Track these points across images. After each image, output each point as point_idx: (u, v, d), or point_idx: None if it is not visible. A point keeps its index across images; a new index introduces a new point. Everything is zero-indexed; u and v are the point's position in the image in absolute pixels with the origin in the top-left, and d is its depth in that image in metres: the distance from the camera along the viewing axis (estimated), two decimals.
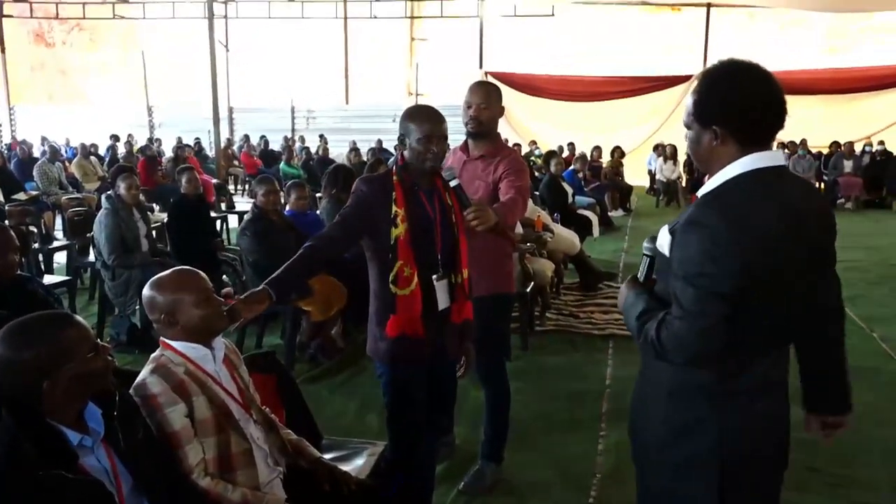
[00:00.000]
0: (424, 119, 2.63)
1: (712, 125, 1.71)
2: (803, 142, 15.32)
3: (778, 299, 1.70)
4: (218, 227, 9.32)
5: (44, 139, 16.11)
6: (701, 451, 1.78)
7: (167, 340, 2.23)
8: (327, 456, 2.56)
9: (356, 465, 2.80)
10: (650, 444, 1.90)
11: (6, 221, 6.21)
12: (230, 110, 21.23)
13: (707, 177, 1.81)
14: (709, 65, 1.76)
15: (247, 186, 15.89)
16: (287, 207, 5.88)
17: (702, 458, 1.78)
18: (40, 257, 7.53)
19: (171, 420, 2.10)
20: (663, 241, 1.79)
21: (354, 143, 15.89)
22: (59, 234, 8.99)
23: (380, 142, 16.76)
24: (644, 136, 18.94)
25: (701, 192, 1.76)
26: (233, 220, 10.50)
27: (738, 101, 1.69)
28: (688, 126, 1.78)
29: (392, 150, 14.99)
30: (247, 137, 18.37)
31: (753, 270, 1.62)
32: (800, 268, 1.72)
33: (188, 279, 2.24)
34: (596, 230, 10.02)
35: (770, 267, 1.64)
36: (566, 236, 7.29)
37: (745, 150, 1.70)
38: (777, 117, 1.70)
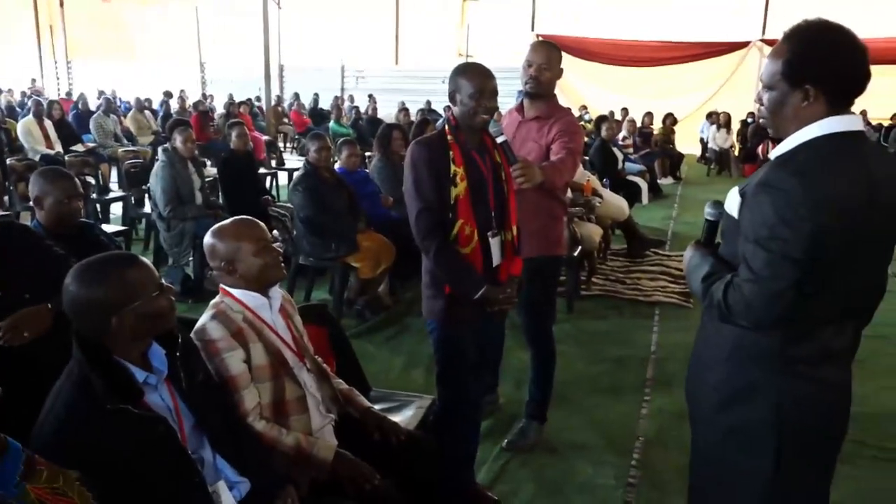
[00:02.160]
0: (475, 74, 2.62)
1: (805, 84, 1.66)
2: (863, 112, 14.84)
3: (848, 268, 1.67)
4: (268, 184, 9.44)
5: (101, 93, 16.37)
6: (757, 416, 1.78)
7: (227, 288, 2.29)
8: (377, 407, 2.62)
9: (405, 417, 2.86)
10: (705, 408, 1.90)
11: None
12: (281, 68, 21.32)
13: (760, 139, 1.78)
14: (795, 24, 1.70)
15: (296, 144, 16.03)
16: (338, 164, 5.93)
17: (758, 424, 1.78)
18: (98, 207, 7.72)
19: (230, 365, 2.17)
20: (732, 203, 1.77)
21: (403, 103, 15.87)
22: (114, 185, 9.20)
23: (429, 103, 16.69)
24: (698, 104, 18.55)
25: (775, 154, 1.74)
26: (282, 178, 10.61)
27: (838, 59, 1.66)
28: (771, 87, 1.72)
29: (440, 112, 14.93)
30: (297, 96, 18.46)
31: (825, 236, 1.59)
32: (873, 238, 1.69)
33: (248, 228, 2.29)
34: (645, 197, 9.90)
35: (842, 234, 1.62)
36: (615, 202, 7.22)
37: (830, 112, 1.67)
38: (864, 80, 1.67)
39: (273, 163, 11.35)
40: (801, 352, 1.74)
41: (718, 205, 1.91)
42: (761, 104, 1.78)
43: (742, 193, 1.73)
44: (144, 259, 1.89)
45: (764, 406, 1.77)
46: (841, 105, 1.68)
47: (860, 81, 1.67)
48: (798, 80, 1.67)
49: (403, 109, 14.67)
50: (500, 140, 2.76)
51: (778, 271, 1.61)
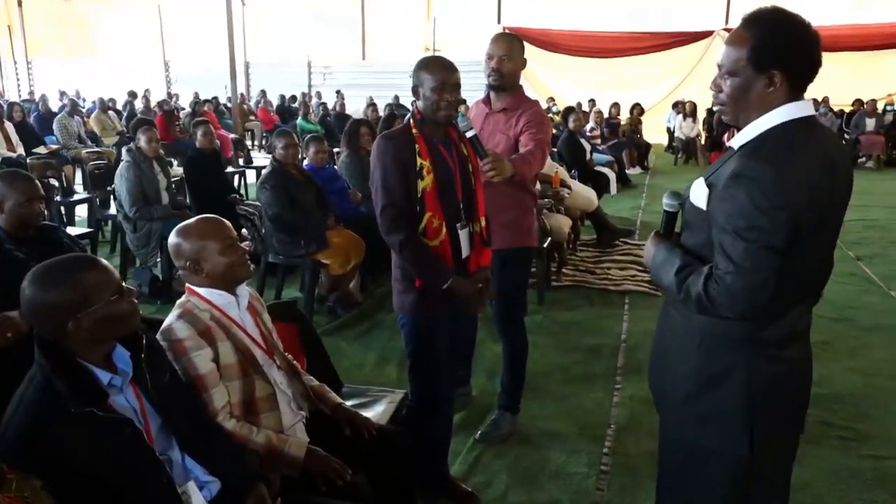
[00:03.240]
0: (437, 68, 2.62)
1: (771, 69, 1.67)
2: (825, 99, 15.09)
3: (813, 251, 1.71)
4: (236, 183, 9.36)
5: (62, 93, 16.10)
6: (731, 400, 1.80)
7: (193, 287, 2.27)
8: (348, 403, 2.61)
9: (376, 412, 2.86)
10: (676, 396, 1.91)
11: None
12: (247, 65, 21.13)
13: (726, 127, 1.80)
14: (754, 11, 1.71)
15: (264, 142, 15.91)
16: (305, 161, 5.89)
17: (732, 408, 1.81)
18: (62, 210, 7.61)
19: (198, 364, 2.15)
20: (698, 194, 1.78)
21: (371, 98, 15.81)
22: (79, 187, 9.06)
23: (396, 97, 16.67)
24: (663, 94, 18.73)
25: (738, 142, 1.75)
26: (251, 176, 10.53)
27: (801, 45, 1.68)
28: (734, 73, 1.72)
29: (409, 107, 14.90)
30: (263, 93, 18.32)
31: (800, 221, 1.62)
32: (832, 219, 1.73)
33: (213, 227, 2.27)
34: (613, 187, 9.99)
35: (814, 218, 1.65)
36: (583, 193, 7.27)
37: (791, 98, 1.69)
38: (818, 66, 1.70)
39: (241, 161, 11.26)
40: (770, 334, 1.77)
41: (677, 195, 1.91)
42: (718, 91, 1.78)
43: (709, 184, 1.74)
44: (104, 262, 1.87)
45: (737, 390, 1.79)
46: (800, 90, 1.71)
47: (817, 67, 1.70)
48: (764, 66, 1.68)
49: (371, 104, 14.62)
50: (469, 134, 2.76)
51: (759, 261, 1.62)
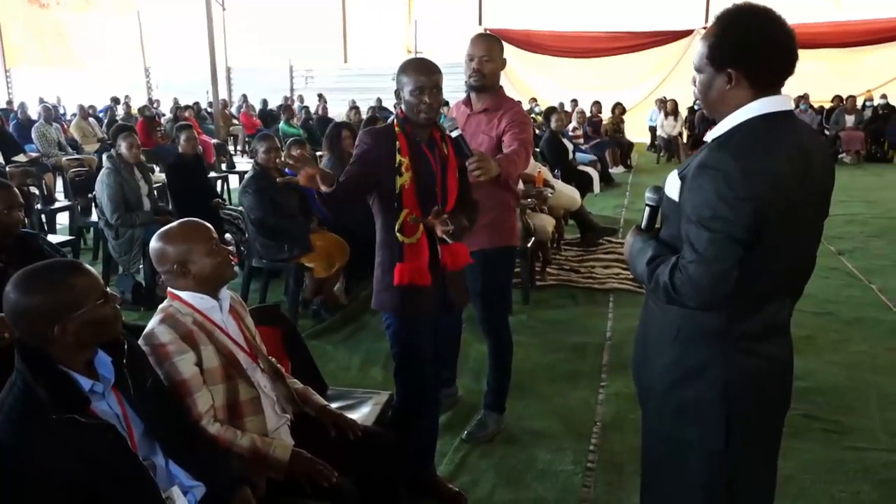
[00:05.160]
0: (416, 71, 2.62)
1: (727, 68, 1.70)
2: (805, 96, 15.23)
3: (788, 244, 1.72)
4: (219, 188, 9.32)
5: (41, 100, 15.96)
6: (707, 394, 1.80)
7: (175, 291, 2.26)
8: (333, 405, 2.61)
9: (362, 414, 2.86)
10: (655, 388, 1.92)
11: None
12: (228, 70, 21.05)
13: (707, 125, 1.81)
14: (723, 8, 1.73)
15: (246, 147, 15.86)
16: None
17: (708, 402, 1.81)
18: (43, 218, 7.55)
19: (180, 368, 2.14)
20: (672, 186, 1.79)
21: (354, 101, 15.79)
22: (60, 195, 8.99)
23: (379, 100, 16.64)
24: (645, 93, 18.85)
25: (710, 136, 1.76)
26: (233, 181, 10.49)
27: (755, 43, 1.68)
28: (699, 70, 1.76)
29: (392, 109, 14.89)
30: (245, 98, 18.26)
31: (766, 213, 1.62)
32: (808, 213, 1.73)
33: (197, 229, 2.27)
34: (597, 186, 10.03)
35: (782, 210, 1.65)
36: (567, 192, 7.29)
37: (757, 95, 1.70)
38: (789, 62, 1.70)
39: (223, 166, 11.21)
40: (746, 328, 1.77)
41: (658, 190, 1.92)
42: (694, 85, 1.81)
43: (682, 176, 1.75)
44: (88, 266, 1.86)
45: (713, 383, 1.79)
46: (765, 88, 1.70)
47: (785, 65, 1.70)
48: (721, 64, 1.70)
49: (354, 108, 14.60)
50: (454, 134, 2.77)
51: (722, 251, 1.63)
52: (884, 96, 15.36)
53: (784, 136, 1.69)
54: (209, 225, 2.31)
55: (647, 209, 1.95)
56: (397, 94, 2.68)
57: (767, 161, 1.63)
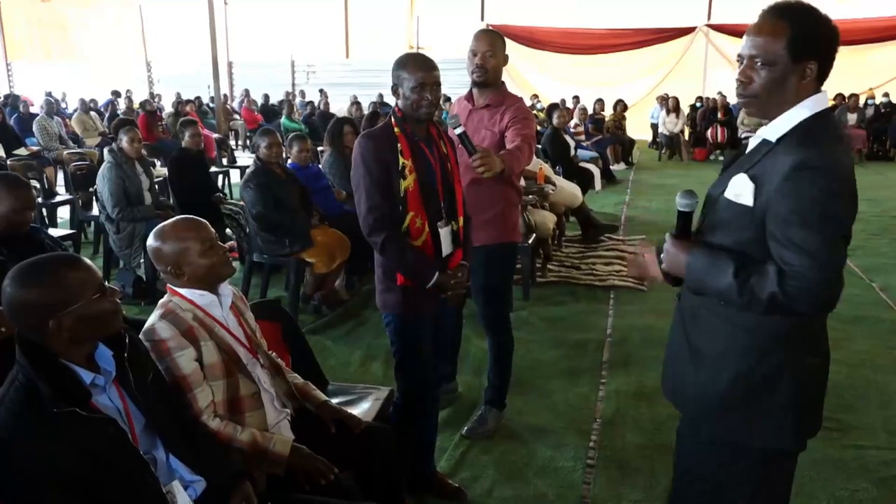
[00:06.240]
0: (416, 67, 2.59)
1: (809, 60, 1.67)
2: None
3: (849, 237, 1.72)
4: (219, 182, 9.32)
5: (48, 94, 15.94)
6: (782, 399, 1.77)
7: (174, 287, 2.26)
8: (334, 400, 2.60)
9: (362, 409, 2.86)
10: (719, 401, 1.84)
11: None
12: (229, 65, 21.04)
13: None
14: (782, 2, 1.70)
15: (248, 141, 15.85)
16: (289, 160, 5.88)
17: (785, 406, 1.77)
18: (44, 212, 7.55)
19: (181, 364, 2.14)
20: (742, 190, 1.72)
21: (356, 97, 15.77)
22: (61, 189, 9.00)
23: (381, 96, 16.65)
24: (647, 90, 18.83)
25: (772, 134, 1.72)
26: (234, 175, 10.49)
27: (830, 35, 1.68)
28: (770, 63, 1.68)
29: (392, 105, 14.88)
30: (247, 92, 18.25)
31: (854, 209, 1.67)
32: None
33: (192, 229, 2.25)
34: (598, 183, 10.02)
35: (856, 204, 1.68)
36: (568, 189, 7.29)
37: (818, 89, 1.71)
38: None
39: (224, 161, 11.21)
40: (815, 328, 1.78)
41: (691, 195, 1.85)
42: (749, 82, 1.73)
43: (753, 178, 1.70)
44: (87, 260, 1.85)
45: (787, 387, 1.76)
46: (823, 81, 1.72)
47: (835, 58, 1.72)
48: (802, 56, 1.67)
49: (355, 103, 14.60)
50: (458, 131, 2.76)
51: (836, 252, 1.62)
52: (886, 94, 15.30)
53: (842, 132, 1.72)
54: (205, 222, 2.30)
55: (681, 215, 1.86)
56: (395, 90, 2.66)
57: (845, 157, 1.67)
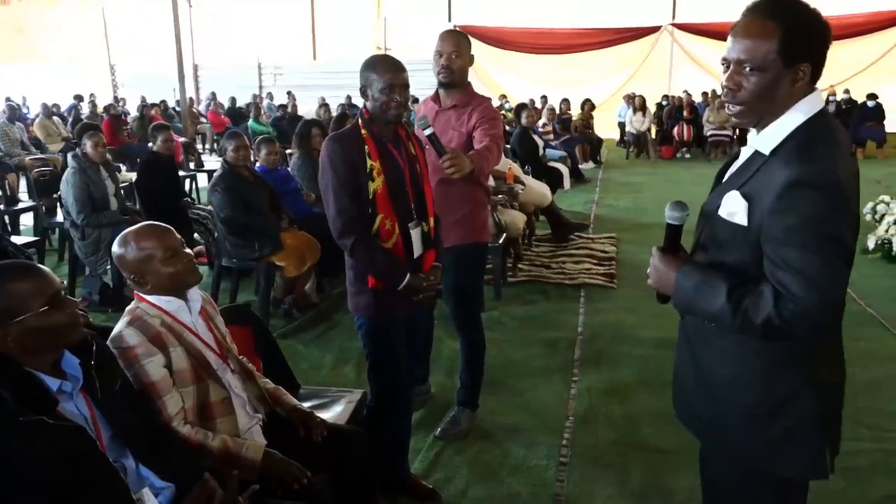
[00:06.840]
0: (385, 68, 2.59)
1: (802, 63, 1.56)
2: None
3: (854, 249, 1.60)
4: (187, 187, 9.22)
5: (8, 99, 15.66)
6: (803, 421, 1.66)
7: (142, 294, 2.23)
8: (306, 404, 2.59)
9: (335, 412, 2.85)
10: (736, 425, 1.73)
11: None
12: (195, 67, 20.83)
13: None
14: (767, 1, 1.56)
15: (215, 145, 15.71)
16: (257, 163, 5.84)
17: (806, 428, 1.67)
18: (6, 219, 7.42)
19: (149, 371, 2.12)
20: (736, 209, 1.61)
21: (324, 98, 15.70)
22: (23, 195, 8.83)
23: (349, 97, 16.59)
24: (614, 89, 19.00)
25: (765, 145, 1.60)
26: (202, 179, 10.39)
27: (823, 34, 1.57)
28: (761, 69, 1.55)
29: (361, 106, 14.84)
30: (213, 95, 18.09)
31: (856, 223, 1.55)
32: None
33: (155, 236, 2.21)
34: (567, 182, 10.09)
35: (857, 216, 1.57)
36: (537, 188, 7.33)
37: (809, 90, 1.59)
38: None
39: (191, 165, 11.10)
40: (830, 344, 1.69)
41: (682, 207, 1.74)
42: (738, 89, 1.61)
43: (746, 195, 1.59)
44: (43, 269, 1.80)
45: (808, 408, 1.66)
46: (815, 83, 1.60)
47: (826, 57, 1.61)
48: (794, 59, 1.55)
49: (324, 105, 14.53)
50: (427, 132, 2.76)
51: (836, 275, 1.50)
52: (846, 91, 15.58)
53: (840, 135, 1.59)
54: (169, 228, 2.27)
55: (669, 227, 1.75)
56: (363, 92, 2.66)
57: (844, 165, 1.53)
